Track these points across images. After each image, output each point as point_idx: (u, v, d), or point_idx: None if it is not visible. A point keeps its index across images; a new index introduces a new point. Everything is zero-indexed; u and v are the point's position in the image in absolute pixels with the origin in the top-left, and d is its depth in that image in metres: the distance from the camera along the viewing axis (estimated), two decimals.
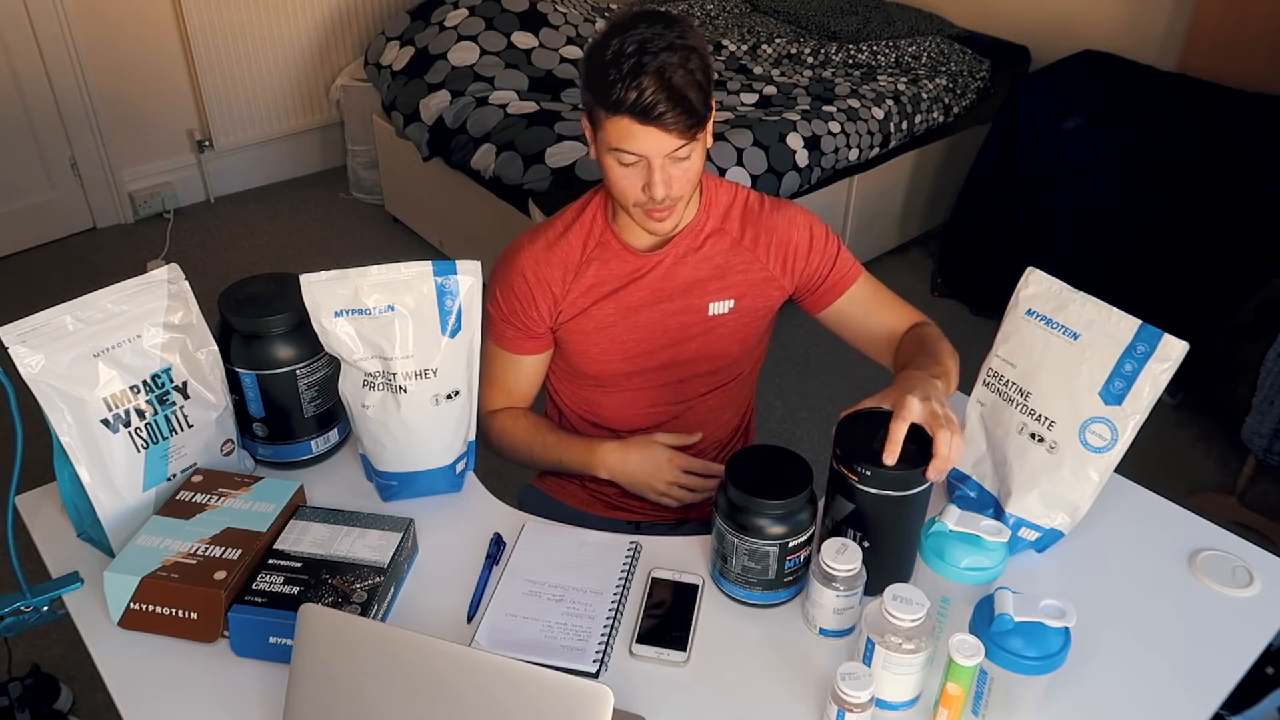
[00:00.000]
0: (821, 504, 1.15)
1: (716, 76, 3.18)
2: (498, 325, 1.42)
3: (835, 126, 2.96)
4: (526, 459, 1.47)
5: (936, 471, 1.06)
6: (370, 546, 1.13)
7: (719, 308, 1.40)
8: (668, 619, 1.12)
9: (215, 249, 3.46)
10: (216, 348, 1.22)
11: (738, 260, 1.40)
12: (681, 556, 1.21)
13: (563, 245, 1.38)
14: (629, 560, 1.19)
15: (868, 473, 1.05)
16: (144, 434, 1.15)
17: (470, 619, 1.12)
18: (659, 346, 1.42)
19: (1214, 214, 2.68)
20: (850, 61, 3.51)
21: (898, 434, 1.06)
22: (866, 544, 1.10)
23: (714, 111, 1.27)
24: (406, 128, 3.14)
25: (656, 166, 1.22)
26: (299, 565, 1.10)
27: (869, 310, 1.44)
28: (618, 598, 1.14)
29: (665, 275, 1.39)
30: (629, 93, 1.17)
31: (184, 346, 1.18)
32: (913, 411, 1.07)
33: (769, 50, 3.58)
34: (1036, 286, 1.18)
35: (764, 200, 1.43)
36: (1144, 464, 1.45)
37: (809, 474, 1.11)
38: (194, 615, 1.05)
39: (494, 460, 1.48)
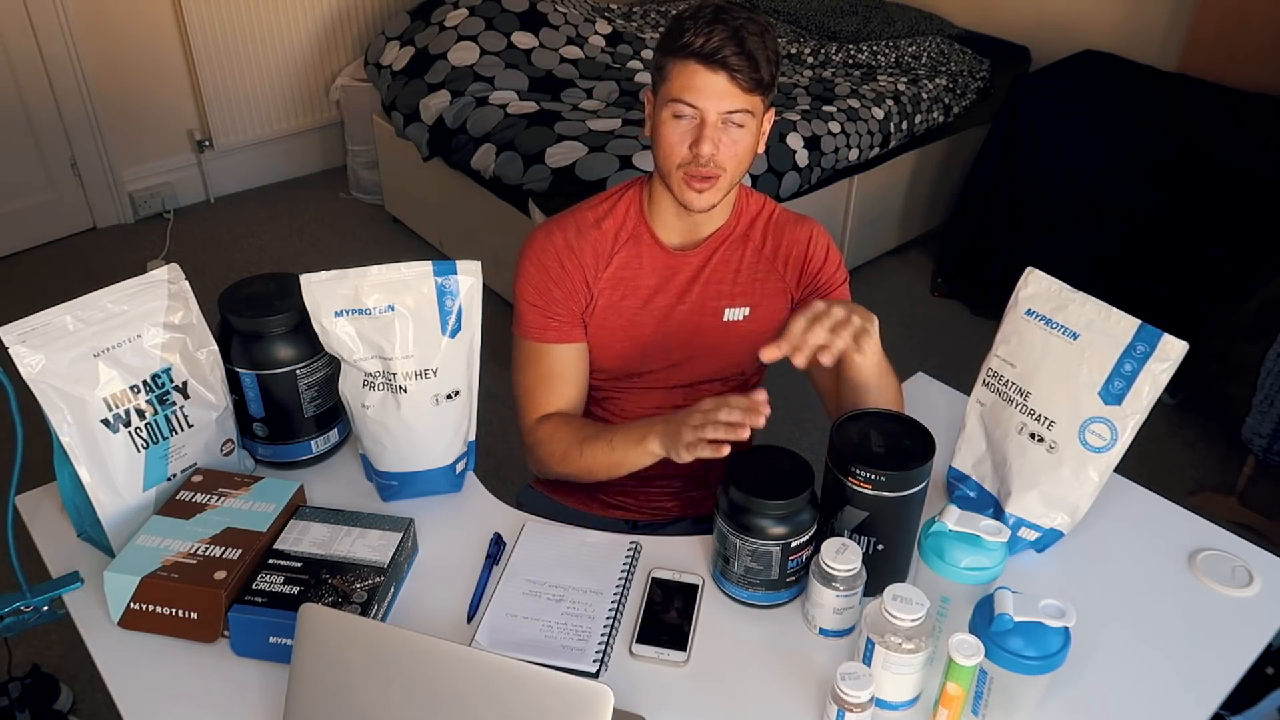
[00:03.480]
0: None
1: None
2: (538, 320, 1.37)
3: (835, 126, 2.96)
4: (577, 458, 1.33)
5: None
6: (370, 546, 1.13)
7: (734, 314, 1.41)
8: (668, 619, 1.12)
9: (215, 249, 3.46)
10: (216, 348, 1.22)
11: (758, 269, 1.41)
12: (681, 556, 1.21)
13: (595, 234, 1.38)
14: (629, 560, 1.19)
15: (870, 476, 1.05)
16: (144, 434, 1.15)
17: (470, 619, 1.12)
18: (675, 347, 1.42)
19: (1214, 214, 2.68)
20: (850, 61, 3.51)
21: (793, 325, 1.12)
22: (880, 546, 1.10)
23: (773, 110, 1.31)
24: (406, 128, 3.14)
25: (709, 124, 1.24)
26: (299, 565, 1.10)
27: None
28: (618, 598, 1.14)
29: (693, 276, 1.39)
30: (698, 37, 1.21)
31: (184, 346, 1.18)
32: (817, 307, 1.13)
33: None
34: (1036, 286, 1.18)
35: (788, 214, 1.44)
36: (1144, 464, 1.45)
37: (810, 474, 1.11)
38: (194, 615, 1.05)
39: (494, 460, 1.48)
